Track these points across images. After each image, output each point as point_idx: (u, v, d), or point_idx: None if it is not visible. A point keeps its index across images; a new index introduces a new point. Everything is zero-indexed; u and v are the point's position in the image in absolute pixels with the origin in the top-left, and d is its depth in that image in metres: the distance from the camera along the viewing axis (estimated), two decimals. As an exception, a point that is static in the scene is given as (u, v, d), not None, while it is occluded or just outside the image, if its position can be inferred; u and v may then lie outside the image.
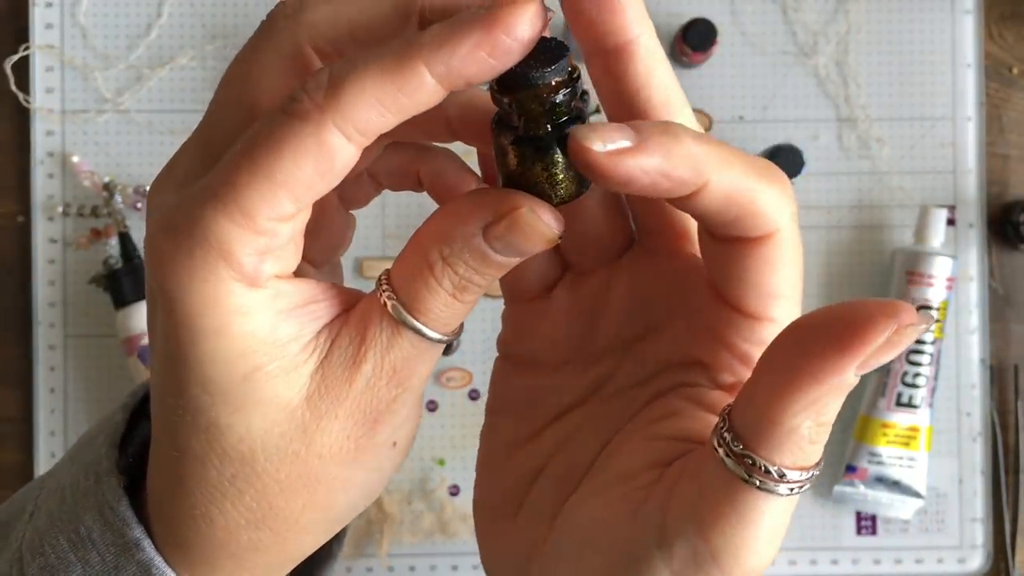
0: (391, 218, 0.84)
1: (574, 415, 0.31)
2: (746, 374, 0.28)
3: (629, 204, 0.31)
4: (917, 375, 0.80)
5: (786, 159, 0.76)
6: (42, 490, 0.31)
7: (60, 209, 0.82)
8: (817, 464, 0.25)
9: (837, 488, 0.81)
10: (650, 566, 0.26)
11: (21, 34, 0.83)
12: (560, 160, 0.26)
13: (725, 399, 0.29)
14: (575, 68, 0.26)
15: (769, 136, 0.83)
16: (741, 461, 0.24)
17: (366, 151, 0.27)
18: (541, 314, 0.32)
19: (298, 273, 0.28)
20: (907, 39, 0.84)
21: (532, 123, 0.26)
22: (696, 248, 0.29)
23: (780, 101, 0.84)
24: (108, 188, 0.81)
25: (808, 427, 0.24)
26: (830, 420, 0.24)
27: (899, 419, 0.80)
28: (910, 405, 0.80)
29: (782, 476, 0.24)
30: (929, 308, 0.79)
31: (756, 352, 0.28)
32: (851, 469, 0.81)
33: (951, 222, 0.83)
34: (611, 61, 0.28)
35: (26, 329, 0.82)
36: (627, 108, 0.28)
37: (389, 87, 0.24)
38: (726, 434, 0.25)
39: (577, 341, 0.31)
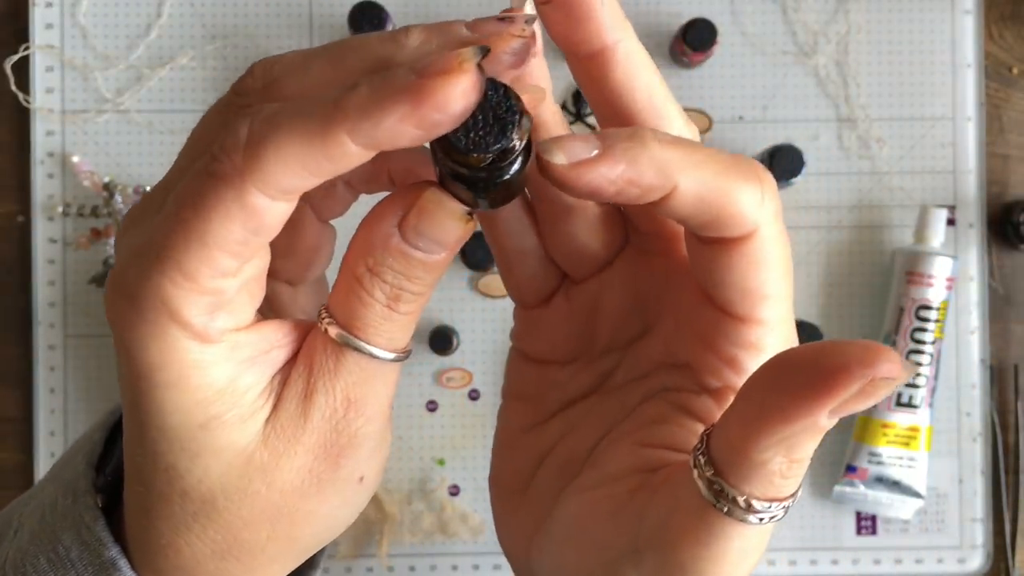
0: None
1: (579, 407, 0.32)
2: (733, 378, 0.28)
3: (623, 207, 0.31)
4: (917, 375, 0.80)
5: (786, 159, 0.76)
6: (27, 507, 0.32)
7: (60, 209, 0.82)
8: (792, 496, 0.25)
9: (837, 488, 0.81)
10: (621, 570, 0.27)
11: (21, 34, 0.83)
12: (483, 194, 0.25)
13: (712, 405, 0.29)
14: (521, 141, 0.24)
15: (769, 136, 0.83)
16: (711, 487, 0.24)
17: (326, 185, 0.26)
18: (544, 320, 0.32)
19: (272, 297, 0.28)
20: (907, 39, 0.84)
21: (450, 177, 0.25)
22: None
23: (780, 101, 0.84)
24: (108, 188, 0.81)
25: (779, 462, 0.23)
26: (804, 458, 0.24)
27: (899, 419, 0.80)
28: (910, 405, 0.80)
29: (750, 506, 0.24)
30: (929, 308, 0.79)
31: (743, 356, 0.28)
32: (851, 469, 0.81)
33: (951, 222, 0.83)
34: (590, 67, 0.27)
35: (26, 329, 0.82)
36: (611, 112, 0.28)
37: (310, 154, 0.23)
38: (701, 457, 0.25)
39: (578, 342, 0.32)
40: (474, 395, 0.83)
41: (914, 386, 0.80)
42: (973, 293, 0.83)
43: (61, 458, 0.33)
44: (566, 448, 0.31)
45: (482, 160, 0.24)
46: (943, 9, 0.84)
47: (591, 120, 0.83)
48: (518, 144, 0.24)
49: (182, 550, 0.28)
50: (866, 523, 0.84)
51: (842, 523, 0.84)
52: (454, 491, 0.83)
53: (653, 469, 0.28)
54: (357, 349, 0.26)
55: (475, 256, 0.79)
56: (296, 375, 0.27)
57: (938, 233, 0.79)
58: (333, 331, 0.26)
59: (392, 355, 0.27)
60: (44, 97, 0.82)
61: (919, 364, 0.80)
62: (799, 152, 0.76)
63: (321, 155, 0.23)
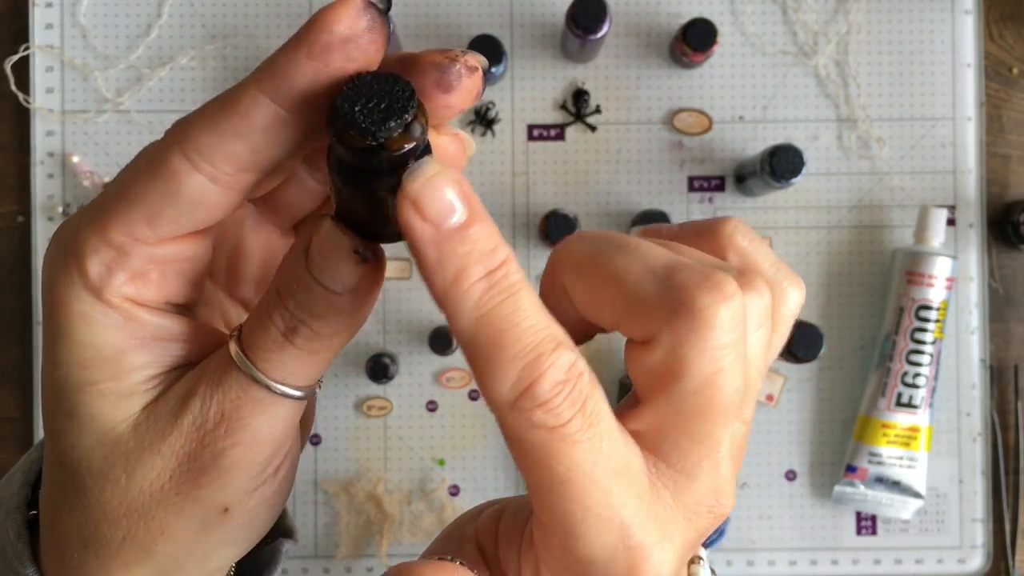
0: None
1: None
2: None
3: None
4: (917, 375, 0.80)
5: (786, 159, 0.76)
6: None
7: (60, 209, 0.82)
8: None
9: (837, 488, 0.81)
10: None
11: (21, 34, 0.83)
12: (365, 201, 0.25)
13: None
14: (416, 133, 0.24)
15: (769, 136, 0.83)
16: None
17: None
18: None
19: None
20: (907, 39, 0.84)
21: (339, 160, 0.24)
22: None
23: (780, 101, 0.84)
24: (108, 188, 0.81)
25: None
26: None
27: (899, 419, 0.80)
28: (910, 405, 0.80)
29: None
30: (929, 308, 0.79)
31: (524, 568, 0.26)
32: (851, 469, 0.81)
33: (951, 222, 0.83)
34: None
35: (26, 329, 0.82)
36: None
37: (223, 107, 0.24)
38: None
39: None
40: (474, 395, 0.83)
41: (914, 386, 0.80)
42: (973, 293, 0.83)
43: (8, 473, 0.33)
44: None
45: (368, 139, 0.23)
46: (943, 9, 0.84)
47: (591, 120, 0.83)
48: (409, 131, 0.24)
49: (57, 524, 0.28)
50: (866, 523, 0.84)
51: (842, 523, 0.84)
52: (454, 491, 0.83)
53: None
54: (243, 369, 0.26)
55: (475, 256, 0.79)
56: (189, 375, 0.27)
57: (938, 233, 0.79)
58: (232, 346, 0.26)
59: (282, 388, 0.26)
60: (44, 97, 0.82)
61: (919, 364, 0.79)
62: (799, 152, 0.76)
63: (232, 108, 0.24)
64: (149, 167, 0.25)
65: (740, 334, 0.24)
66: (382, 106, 0.23)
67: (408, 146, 0.24)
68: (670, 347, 0.24)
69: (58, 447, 0.27)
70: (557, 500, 0.24)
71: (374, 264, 0.25)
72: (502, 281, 0.24)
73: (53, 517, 0.28)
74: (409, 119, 0.24)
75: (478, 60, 0.25)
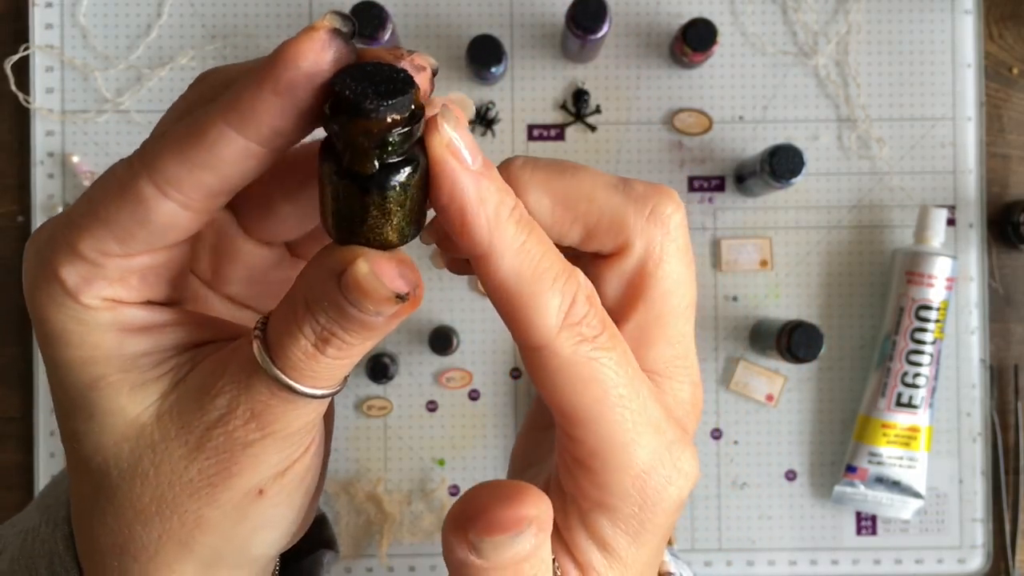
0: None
1: None
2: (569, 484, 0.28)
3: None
4: (917, 375, 0.80)
5: (786, 159, 0.76)
6: (13, 528, 0.32)
7: (60, 209, 0.82)
8: None
9: (837, 488, 0.81)
10: None
11: (21, 34, 0.83)
12: (384, 204, 0.24)
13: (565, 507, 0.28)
14: (419, 108, 0.24)
15: (769, 136, 0.83)
16: None
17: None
18: None
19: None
20: (907, 39, 0.84)
21: (358, 158, 0.23)
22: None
23: (780, 101, 0.84)
24: (108, 188, 0.81)
25: None
26: None
27: (899, 419, 0.80)
28: (910, 405, 0.80)
29: None
30: (929, 308, 0.79)
31: (577, 537, 0.27)
32: (851, 469, 0.81)
33: (951, 222, 0.83)
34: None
35: (26, 329, 0.82)
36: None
37: (191, 139, 0.24)
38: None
39: None
40: (474, 395, 0.83)
41: (914, 386, 0.80)
42: (973, 293, 0.83)
43: (52, 480, 0.33)
44: (549, 464, 0.31)
45: (404, 111, 0.23)
46: (943, 9, 0.84)
47: (591, 120, 0.83)
48: (411, 113, 0.23)
49: (91, 536, 0.27)
50: (866, 523, 0.84)
51: (842, 523, 0.84)
52: (454, 491, 0.83)
53: None
54: (271, 376, 0.25)
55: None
56: (210, 367, 0.26)
57: (938, 233, 0.79)
58: (256, 347, 0.25)
59: (311, 391, 0.26)
60: (44, 97, 0.82)
61: (919, 364, 0.79)
62: (799, 152, 0.76)
63: (199, 140, 0.24)
64: (119, 191, 0.25)
65: (688, 236, 0.28)
66: (387, 82, 0.23)
67: (422, 100, 0.24)
68: (645, 252, 0.27)
69: (82, 451, 0.27)
70: (610, 411, 0.25)
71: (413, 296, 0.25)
72: (524, 214, 0.25)
73: (86, 530, 0.28)
74: (414, 77, 0.24)
75: (426, 60, 0.25)
